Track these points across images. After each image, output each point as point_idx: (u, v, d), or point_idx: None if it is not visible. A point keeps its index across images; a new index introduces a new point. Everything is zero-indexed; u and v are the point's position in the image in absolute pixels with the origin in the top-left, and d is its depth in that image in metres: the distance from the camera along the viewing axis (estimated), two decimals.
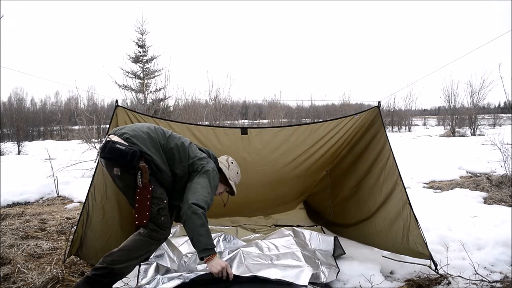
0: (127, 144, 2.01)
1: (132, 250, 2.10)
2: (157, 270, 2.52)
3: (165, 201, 2.17)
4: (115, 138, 2.05)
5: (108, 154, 1.98)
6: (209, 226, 3.26)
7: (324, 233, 3.18)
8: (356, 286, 2.40)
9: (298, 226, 3.78)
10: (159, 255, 2.67)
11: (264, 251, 2.75)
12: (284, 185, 3.51)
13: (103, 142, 2.07)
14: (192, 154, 2.28)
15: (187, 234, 2.10)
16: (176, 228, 3.39)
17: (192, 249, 2.80)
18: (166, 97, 11.91)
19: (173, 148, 2.21)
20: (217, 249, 2.86)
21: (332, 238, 2.86)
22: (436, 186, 5.90)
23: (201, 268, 2.57)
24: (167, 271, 2.54)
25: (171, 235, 3.18)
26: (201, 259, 2.04)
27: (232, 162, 2.58)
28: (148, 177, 2.03)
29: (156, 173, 2.12)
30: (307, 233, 2.99)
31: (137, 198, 2.02)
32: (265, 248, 2.78)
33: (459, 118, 20.88)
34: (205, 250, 2.02)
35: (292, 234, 2.95)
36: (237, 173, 2.60)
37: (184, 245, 2.98)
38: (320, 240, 2.90)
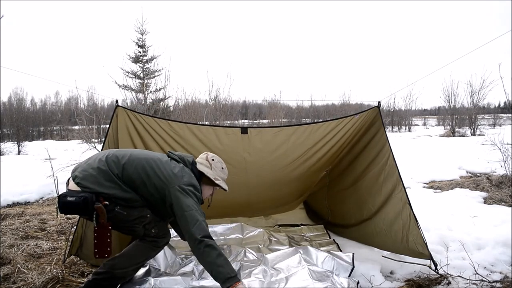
0: (79, 189, 1.97)
1: (134, 256, 2.13)
2: (149, 272, 2.47)
3: (148, 215, 2.15)
4: (70, 184, 2.03)
5: (62, 210, 1.97)
6: (212, 227, 3.28)
7: (340, 250, 2.91)
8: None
9: (301, 224, 3.79)
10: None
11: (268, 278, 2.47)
12: (284, 185, 3.51)
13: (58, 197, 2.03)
14: (162, 174, 2.11)
15: (204, 268, 2.06)
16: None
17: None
18: (166, 97, 11.91)
19: (132, 174, 2.09)
20: None
21: (350, 267, 2.51)
22: (436, 186, 5.90)
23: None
24: (159, 274, 2.49)
25: (173, 240, 3.16)
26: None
27: (213, 159, 2.38)
28: (105, 216, 1.98)
29: (122, 203, 2.06)
30: (321, 255, 2.66)
31: (95, 235, 2.04)
32: (270, 275, 2.51)
33: (459, 118, 20.87)
34: (228, 280, 1.93)
35: (301, 251, 2.72)
36: (222, 168, 2.42)
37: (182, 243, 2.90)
38: (334, 266, 2.55)
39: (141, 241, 2.18)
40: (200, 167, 2.32)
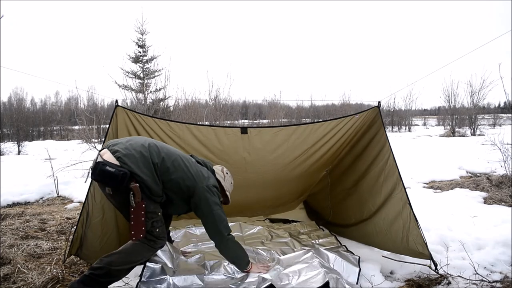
0: (118, 164, 2.03)
1: (131, 254, 2.14)
2: (164, 271, 2.48)
3: (159, 213, 2.22)
4: (106, 155, 2.07)
5: (98, 176, 2.03)
6: None
7: (351, 251, 2.93)
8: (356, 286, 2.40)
9: (293, 221, 3.84)
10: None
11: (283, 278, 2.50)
12: (284, 185, 3.51)
13: (94, 161, 2.09)
14: (193, 172, 2.31)
15: (227, 258, 2.43)
16: (180, 233, 3.40)
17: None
18: (166, 97, 11.92)
19: (169, 167, 2.22)
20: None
21: (357, 270, 2.56)
22: (436, 186, 5.90)
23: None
24: (174, 272, 2.52)
25: (175, 239, 3.20)
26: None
27: (227, 173, 2.64)
28: (140, 196, 2.06)
29: (147, 192, 2.14)
30: (331, 256, 2.73)
31: (131, 216, 2.09)
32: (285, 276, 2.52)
33: (459, 118, 20.87)
34: (247, 264, 2.41)
35: (313, 251, 2.79)
36: (231, 183, 2.68)
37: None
38: (344, 267, 2.61)
39: (138, 240, 2.18)
40: (217, 176, 2.56)
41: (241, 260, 2.40)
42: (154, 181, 2.15)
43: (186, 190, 2.28)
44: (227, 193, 2.60)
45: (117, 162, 2.03)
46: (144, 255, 2.22)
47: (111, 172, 1.99)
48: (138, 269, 2.36)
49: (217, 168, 2.64)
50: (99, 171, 2.01)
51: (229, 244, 2.34)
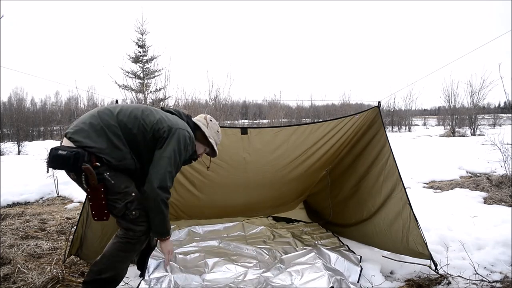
0: (71, 145, 1.88)
1: (115, 256, 2.01)
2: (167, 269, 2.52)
3: (133, 194, 2.00)
4: (64, 141, 1.94)
5: (52, 163, 1.87)
6: (214, 226, 3.42)
7: (352, 251, 2.95)
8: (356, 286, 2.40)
9: (296, 220, 3.86)
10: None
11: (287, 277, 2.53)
12: (284, 185, 3.51)
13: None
14: (153, 119, 2.03)
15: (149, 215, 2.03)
16: (184, 231, 3.41)
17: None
18: (166, 97, 11.94)
19: (127, 123, 1.99)
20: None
21: (359, 269, 2.59)
22: (436, 186, 5.90)
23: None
24: (175, 270, 2.55)
25: (178, 241, 3.20)
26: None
27: (211, 120, 2.37)
28: (95, 177, 1.87)
29: (112, 164, 1.94)
30: (333, 256, 2.75)
31: (88, 197, 1.93)
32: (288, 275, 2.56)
33: (459, 118, 20.88)
34: (156, 233, 2.05)
35: (315, 251, 2.81)
36: (218, 131, 2.39)
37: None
38: (345, 267, 2.64)
39: (117, 237, 2.05)
40: (196, 121, 2.32)
41: (153, 225, 2.01)
42: (114, 147, 1.95)
43: (151, 142, 2.03)
44: (211, 141, 2.31)
45: (71, 144, 1.89)
46: (132, 250, 2.04)
47: (62, 155, 1.83)
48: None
49: (198, 116, 2.40)
50: (51, 158, 1.85)
51: (151, 203, 1.96)
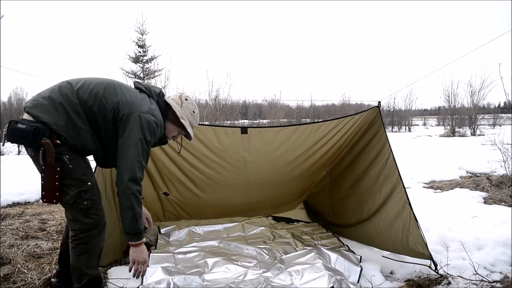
0: (31, 119, 1.80)
1: (78, 261, 1.94)
2: (165, 271, 2.51)
3: (88, 183, 1.91)
4: (24, 115, 1.85)
5: (10, 136, 1.78)
6: (214, 226, 3.41)
7: (352, 251, 2.94)
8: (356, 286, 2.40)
9: (296, 220, 3.86)
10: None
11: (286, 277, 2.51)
12: (284, 185, 3.52)
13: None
14: (114, 99, 1.90)
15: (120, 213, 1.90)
16: (184, 231, 3.40)
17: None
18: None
19: (87, 100, 1.87)
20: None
21: (359, 269, 2.58)
22: (436, 186, 5.90)
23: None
24: (173, 272, 2.54)
25: (179, 241, 3.20)
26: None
27: (186, 99, 2.19)
28: (53, 155, 1.78)
29: (70, 143, 1.85)
30: (333, 256, 2.75)
31: (42, 175, 1.82)
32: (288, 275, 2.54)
33: (459, 118, 20.88)
34: (127, 234, 1.87)
35: (315, 251, 2.81)
36: (193, 111, 2.20)
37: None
38: (345, 267, 2.63)
39: (70, 244, 1.96)
40: (168, 100, 2.16)
41: (124, 223, 1.86)
42: (73, 124, 1.85)
43: (112, 122, 1.91)
44: (184, 122, 2.14)
45: (30, 118, 1.80)
46: (90, 252, 1.94)
47: (21, 129, 1.74)
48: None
49: (174, 95, 2.22)
50: (10, 131, 1.76)
51: (121, 197, 1.84)
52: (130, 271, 1.92)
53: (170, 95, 2.23)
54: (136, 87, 2.12)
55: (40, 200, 5.27)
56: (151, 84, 2.20)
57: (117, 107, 1.90)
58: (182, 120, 2.13)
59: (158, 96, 2.11)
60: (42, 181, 1.83)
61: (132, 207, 1.83)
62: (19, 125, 1.76)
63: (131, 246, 1.89)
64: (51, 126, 1.80)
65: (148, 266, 1.99)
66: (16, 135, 1.77)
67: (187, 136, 2.23)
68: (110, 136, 1.95)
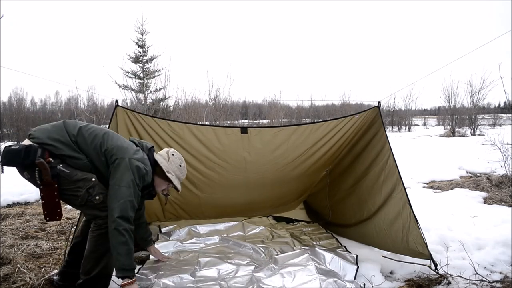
0: (28, 142, 1.90)
1: (95, 251, 2.00)
2: (154, 270, 2.52)
3: (93, 179, 2.00)
4: (25, 141, 1.97)
5: (4, 159, 1.85)
6: (215, 225, 3.41)
7: (348, 251, 2.94)
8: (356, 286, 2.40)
9: (296, 220, 3.86)
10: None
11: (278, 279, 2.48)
12: (284, 185, 3.51)
13: None
14: (109, 143, 2.05)
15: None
16: (184, 230, 3.41)
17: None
18: (166, 97, 11.95)
19: (87, 138, 2.03)
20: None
21: (355, 267, 2.59)
22: (436, 186, 5.90)
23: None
24: (161, 273, 2.54)
25: (179, 240, 3.20)
26: (120, 277, 1.94)
27: (173, 154, 2.35)
28: (49, 173, 1.86)
29: (67, 160, 1.95)
30: (328, 256, 2.73)
31: (41, 195, 1.90)
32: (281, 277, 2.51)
33: (459, 118, 20.88)
34: (122, 270, 1.92)
35: (309, 252, 2.79)
36: (180, 165, 2.35)
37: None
38: (341, 266, 2.62)
39: (91, 233, 2.03)
40: (156, 156, 2.29)
41: (117, 258, 1.90)
42: (72, 150, 1.97)
43: (106, 162, 2.04)
44: (170, 176, 2.26)
45: (27, 143, 1.91)
46: (108, 243, 1.98)
47: (13, 149, 1.83)
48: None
49: (162, 151, 2.40)
50: (4, 154, 1.84)
51: (114, 230, 1.89)
52: None
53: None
54: (131, 141, 2.26)
55: (39, 201, 5.26)
56: (144, 140, 2.37)
57: (110, 151, 2.03)
58: (168, 174, 2.26)
59: (149, 151, 2.27)
60: (42, 200, 1.91)
61: (126, 243, 1.89)
62: (12, 147, 1.86)
63: (123, 285, 1.92)
64: (49, 148, 1.90)
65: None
66: (7, 156, 1.85)
67: (175, 188, 2.37)
68: (102, 172, 2.08)
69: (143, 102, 11.43)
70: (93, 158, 2.04)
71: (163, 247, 3.01)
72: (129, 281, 1.93)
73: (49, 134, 1.95)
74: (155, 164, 2.26)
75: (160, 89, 11.83)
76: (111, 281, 2.38)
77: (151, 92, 11.86)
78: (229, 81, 19.87)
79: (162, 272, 2.51)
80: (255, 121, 22.00)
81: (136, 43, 11.95)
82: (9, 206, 4.89)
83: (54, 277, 2.31)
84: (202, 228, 3.46)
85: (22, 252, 2.91)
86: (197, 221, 3.61)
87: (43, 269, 2.60)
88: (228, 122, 12.60)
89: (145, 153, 2.22)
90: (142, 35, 11.88)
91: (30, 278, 2.42)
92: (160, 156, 2.31)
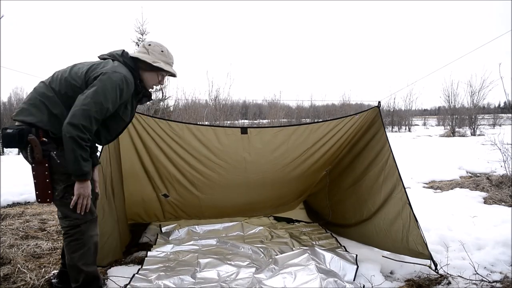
0: (19, 124, 1.92)
1: (72, 259, 2.00)
2: (158, 271, 2.52)
3: None
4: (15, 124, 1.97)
5: (3, 143, 1.90)
6: (214, 225, 3.42)
7: (348, 251, 2.95)
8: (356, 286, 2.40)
9: (297, 221, 3.86)
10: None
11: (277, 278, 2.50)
12: (284, 185, 3.52)
13: None
14: (80, 73, 2.00)
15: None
16: (184, 230, 3.40)
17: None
18: (166, 97, 11.92)
19: (61, 89, 1.97)
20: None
21: (355, 267, 2.60)
22: (436, 186, 5.90)
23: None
24: (162, 274, 2.54)
25: (178, 240, 3.20)
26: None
27: (149, 44, 2.21)
28: (40, 151, 1.87)
29: (58, 137, 1.91)
30: (328, 256, 2.74)
31: (33, 173, 1.90)
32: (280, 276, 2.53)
33: (459, 118, 20.88)
34: (74, 175, 1.90)
35: (309, 252, 2.79)
36: (162, 51, 2.20)
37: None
38: (341, 266, 2.63)
39: (63, 243, 2.05)
40: (134, 54, 2.18)
41: (68, 164, 1.87)
42: (55, 117, 1.93)
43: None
44: (157, 63, 2.15)
45: (18, 123, 1.93)
46: (82, 249, 1.98)
47: (9, 133, 1.87)
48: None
49: (138, 47, 2.26)
50: (1, 137, 1.88)
51: (64, 139, 1.84)
52: (72, 206, 1.93)
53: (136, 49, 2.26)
54: (100, 59, 2.18)
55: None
56: (115, 51, 2.22)
57: (86, 76, 1.99)
58: (155, 64, 2.15)
59: (122, 57, 2.14)
60: (34, 179, 1.92)
61: (73, 150, 1.85)
62: (8, 130, 1.89)
63: (76, 181, 1.91)
64: (36, 124, 1.91)
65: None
66: (5, 139, 1.89)
67: (168, 73, 2.25)
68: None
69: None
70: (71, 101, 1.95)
71: (161, 248, 3.00)
72: (80, 179, 1.91)
73: (30, 111, 1.94)
74: (136, 62, 2.16)
75: (160, 89, 11.82)
76: (111, 281, 2.39)
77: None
78: (229, 81, 19.86)
79: (163, 273, 2.51)
80: (255, 121, 21.97)
81: (136, 43, 11.93)
82: (9, 206, 4.89)
83: (53, 280, 2.31)
84: (201, 228, 3.46)
85: (22, 252, 2.91)
86: (197, 221, 3.61)
87: (43, 269, 2.60)
88: (228, 122, 12.60)
89: (120, 60, 2.11)
90: (142, 35, 11.87)
91: (30, 278, 2.42)
92: (138, 52, 2.20)
